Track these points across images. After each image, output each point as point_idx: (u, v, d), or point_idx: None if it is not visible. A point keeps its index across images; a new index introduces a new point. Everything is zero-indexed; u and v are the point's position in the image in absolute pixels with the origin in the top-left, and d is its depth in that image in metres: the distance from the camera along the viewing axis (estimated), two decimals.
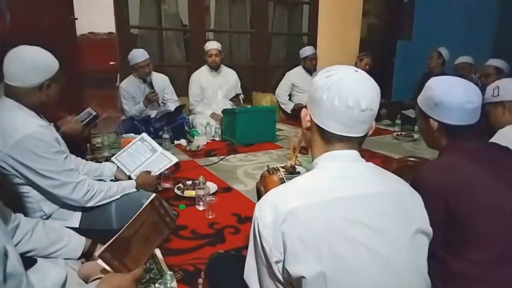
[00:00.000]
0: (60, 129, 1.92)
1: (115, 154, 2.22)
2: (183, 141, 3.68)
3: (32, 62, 1.45)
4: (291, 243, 0.77)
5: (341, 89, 0.84)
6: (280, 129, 4.30)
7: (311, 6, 5.50)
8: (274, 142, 3.84)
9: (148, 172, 1.99)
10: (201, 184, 2.35)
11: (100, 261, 0.99)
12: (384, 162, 3.02)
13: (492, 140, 1.69)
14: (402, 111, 4.39)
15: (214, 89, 4.20)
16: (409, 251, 0.81)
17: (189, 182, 2.53)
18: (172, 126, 3.64)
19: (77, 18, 4.10)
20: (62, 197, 1.55)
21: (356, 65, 4.61)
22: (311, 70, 4.81)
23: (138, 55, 3.54)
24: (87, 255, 1.32)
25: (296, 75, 4.89)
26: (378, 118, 4.58)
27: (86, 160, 2.02)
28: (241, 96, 4.25)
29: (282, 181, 1.34)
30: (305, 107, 0.95)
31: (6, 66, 1.45)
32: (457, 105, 1.15)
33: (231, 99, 4.15)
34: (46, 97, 1.50)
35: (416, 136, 3.92)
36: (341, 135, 0.87)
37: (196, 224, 2.06)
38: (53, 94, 1.53)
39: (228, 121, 3.85)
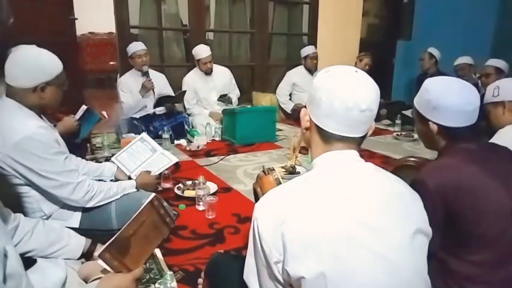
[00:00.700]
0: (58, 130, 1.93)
1: (115, 154, 2.22)
2: (183, 141, 3.68)
3: (28, 64, 1.44)
4: (290, 244, 0.77)
5: (340, 90, 0.84)
6: (280, 129, 4.30)
7: (311, 6, 5.50)
8: (274, 142, 3.84)
9: (148, 172, 1.99)
10: (201, 184, 2.35)
11: (99, 261, 0.98)
12: (384, 162, 3.02)
13: (492, 140, 1.69)
14: (402, 111, 4.39)
15: (207, 92, 4.19)
16: (409, 251, 0.81)
17: (189, 182, 2.53)
18: (172, 126, 3.65)
19: (77, 18, 4.11)
20: (62, 197, 1.55)
21: (355, 65, 4.62)
22: (312, 69, 4.81)
23: (135, 45, 3.71)
24: (87, 255, 1.32)
25: (297, 74, 4.89)
26: (378, 118, 4.58)
27: (86, 160, 2.01)
28: (234, 94, 4.24)
29: (277, 182, 1.33)
30: (305, 107, 0.95)
31: (7, 65, 1.45)
32: (456, 108, 1.14)
33: (218, 100, 4.14)
34: (40, 99, 1.48)
35: (416, 136, 3.92)
36: (340, 136, 0.87)
37: (196, 224, 2.06)
38: (49, 97, 1.51)
39: (227, 121, 3.85)
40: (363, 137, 0.90)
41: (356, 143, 0.89)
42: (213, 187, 2.51)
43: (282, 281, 0.81)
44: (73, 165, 1.63)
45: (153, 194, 1.12)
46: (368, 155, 3.29)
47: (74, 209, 1.63)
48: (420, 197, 0.91)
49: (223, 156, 3.31)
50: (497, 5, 4.73)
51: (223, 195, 2.48)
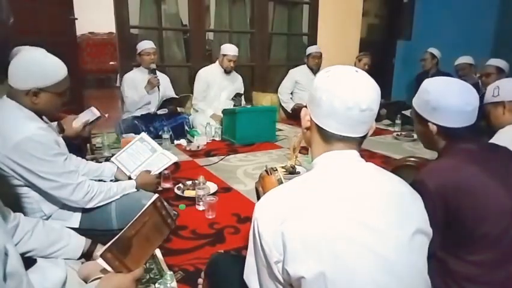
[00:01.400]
0: (63, 132, 1.92)
1: (115, 154, 2.21)
2: (183, 141, 3.69)
3: (25, 66, 1.43)
4: (290, 244, 0.77)
5: (340, 89, 0.84)
6: (280, 129, 4.30)
7: (311, 6, 5.50)
8: (274, 142, 3.84)
9: (148, 171, 1.99)
10: (201, 184, 2.35)
11: (100, 261, 0.99)
12: (384, 162, 3.02)
13: (492, 140, 1.69)
14: (402, 111, 4.38)
15: (219, 89, 4.23)
16: (409, 251, 0.81)
17: (189, 182, 2.53)
18: (172, 127, 3.65)
19: (77, 18, 4.11)
20: (62, 198, 1.55)
21: (355, 65, 4.61)
22: (314, 69, 4.82)
23: (146, 43, 3.79)
24: (87, 255, 1.32)
25: (299, 73, 4.91)
26: (378, 118, 4.59)
27: (86, 160, 2.01)
28: (242, 98, 4.28)
29: (280, 182, 1.33)
30: (305, 106, 0.95)
31: (11, 64, 1.45)
32: (455, 108, 1.14)
33: (232, 98, 4.18)
34: (32, 104, 1.46)
35: (416, 136, 3.91)
36: (340, 135, 0.87)
37: (196, 224, 2.06)
38: (43, 103, 1.47)
39: (228, 121, 3.85)
40: (364, 137, 0.90)
41: (357, 143, 0.89)
42: (213, 187, 2.51)
43: (282, 280, 0.81)
44: (73, 166, 1.63)
45: (156, 195, 1.13)
46: (368, 155, 3.29)
47: (74, 209, 1.63)
48: (421, 198, 0.91)
49: (223, 156, 3.31)
50: (497, 5, 4.72)
51: (223, 195, 2.48)
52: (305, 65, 4.91)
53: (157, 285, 1.51)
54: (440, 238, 1.07)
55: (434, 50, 4.54)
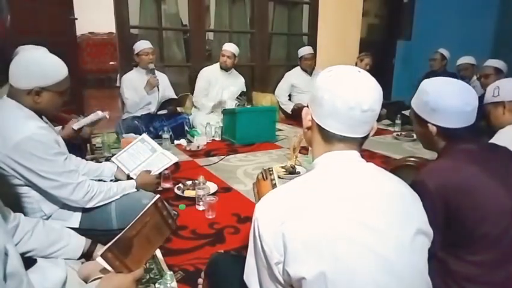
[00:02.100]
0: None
1: (115, 154, 2.22)
2: (183, 141, 3.68)
3: (27, 65, 1.43)
4: (291, 245, 0.77)
5: (342, 89, 0.84)
6: (280, 129, 4.30)
7: (311, 6, 5.50)
8: (274, 142, 3.84)
9: (148, 171, 1.99)
10: (201, 184, 2.35)
11: (101, 261, 0.99)
12: (384, 162, 3.02)
13: (492, 140, 1.69)
14: (402, 111, 4.40)
15: (221, 88, 4.22)
16: (410, 252, 0.80)
17: (189, 182, 2.53)
18: (172, 127, 3.65)
19: (77, 18, 4.11)
20: (62, 198, 1.55)
21: (356, 65, 4.58)
22: (308, 70, 4.82)
23: (143, 43, 3.77)
24: (87, 255, 1.32)
25: (295, 75, 4.91)
26: (378, 118, 4.53)
27: (86, 160, 2.01)
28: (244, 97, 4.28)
29: (274, 186, 1.33)
30: (306, 106, 0.95)
31: (12, 63, 1.45)
32: (455, 109, 1.14)
33: (237, 98, 4.16)
34: (34, 103, 1.46)
35: (415, 136, 3.91)
36: (341, 136, 0.87)
37: (196, 224, 2.06)
38: (45, 102, 1.47)
39: (227, 121, 3.85)
40: (365, 138, 0.90)
41: (358, 143, 0.89)
42: (213, 187, 2.51)
43: (282, 281, 0.80)
44: (73, 165, 1.63)
45: (157, 196, 1.13)
46: (368, 155, 3.29)
47: (74, 209, 1.63)
48: (421, 198, 0.91)
49: (223, 156, 3.31)
50: (497, 5, 4.72)
51: (223, 195, 2.48)
52: (298, 67, 4.91)
53: (157, 285, 1.51)
54: (440, 238, 1.06)
55: (444, 51, 4.48)
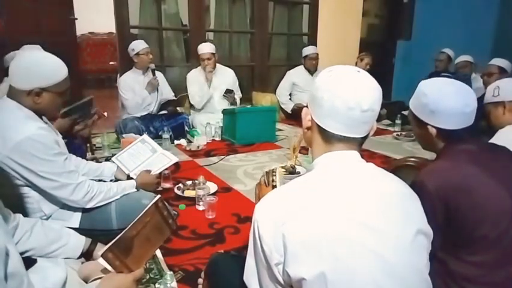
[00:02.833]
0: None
1: (115, 154, 2.22)
2: (183, 141, 3.68)
3: (28, 66, 1.43)
4: (291, 245, 0.77)
5: (342, 89, 0.84)
6: (280, 129, 4.30)
7: (311, 6, 5.50)
8: (274, 142, 3.84)
9: (148, 171, 1.99)
10: (201, 184, 2.35)
11: (101, 261, 0.99)
12: (384, 162, 3.02)
13: (492, 140, 1.68)
14: (402, 111, 4.40)
15: (212, 89, 4.15)
16: (410, 252, 0.80)
17: (189, 182, 2.53)
18: (172, 127, 3.65)
19: (77, 18, 4.11)
20: (62, 198, 1.55)
21: (356, 65, 4.60)
22: (311, 70, 4.81)
23: (140, 43, 3.75)
24: (87, 255, 1.32)
25: (297, 74, 4.89)
26: (378, 118, 4.52)
27: (86, 160, 2.01)
28: (237, 95, 4.22)
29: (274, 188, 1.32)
30: (305, 107, 0.95)
31: (11, 64, 1.45)
32: (455, 110, 1.14)
33: (223, 95, 4.11)
34: (34, 104, 1.45)
35: (414, 137, 3.90)
36: (341, 136, 0.87)
37: (196, 224, 2.06)
38: (45, 103, 1.47)
39: (227, 121, 3.85)
40: (365, 138, 0.90)
41: (357, 143, 0.89)
42: (213, 187, 2.51)
43: (282, 282, 0.80)
44: (73, 166, 1.63)
45: (158, 196, 1.13)
46: (368, 155, 3.29)
47: (74, 209, 1.63)
48: (420, 199, 0.91)
49: (223, 156, 3.31)
50: (497, 5, 4.72)
51: (223, 195, 2.48)
52: (302, 66, 4.90)
53: (157, 285, 1.52)
54: (440, 239, 1.06)
55: (449, 51, 4.45)
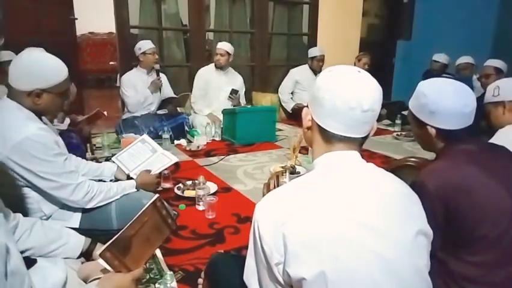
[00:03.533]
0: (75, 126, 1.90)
1: (115, 154, 2.22)
2: (183, 141, 3.68)
3: (28, 67, 1.43)
4: (291, 245, 0.77)
5: (343, 89, 0.84)
6: (280, 129, 4.30)
7: (311, 6, 5.50)
8: (274, 142, 3.84)
9: (148, 171, 1.99)
10: (201, 184, 2.35)
11: (100, 261, 0.99)
12: (384, 162, 3.02)
13: (492, 140, 1.68)
14: (402, 111, 4.40)
15: (217, 88, 4.18)
16: (410, 253, 0.80)
17: (189, 182, 2.53)
18: (172, 127, 3.66)
19: (77, 18, 4.11)
20: (62, 198, 1.55)
21: (354, 65, 4.59)
22: (317, 71, 4.81)
23: (146, 42, 3.76)
24: (87, 254, 1.32)
25: (300, 72, 4.90)
26: (378, 118, 4.52)
27: (86, 160, 2.01)
28: (241, 101, 4.24)
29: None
30: (306, 106, 0.95)
31: (11, 65, 1.45)
32: (454, 111, 1.14)
33: (229, 96, 4.14)
34: (34, 105, 1.45)
35: (414, 137, 3.90)
36: (342, 136, 0.86)
37: (196, 224, 2.06)
38: (45, 104, 1.47)
39: (227, 121, 3.85)
40: (365, 138, 0.90)
41: (358, 143, 0.89)
42: (213, 187, 2.51)
43: (282, 282, 0.80)
44: (73, 166, 1.63)
45: (156, 195, 1.13)
46: (368, 155, 3.29)
47: (74, 209, 1.63)
48: (420, 199, 0.91)
49: (223, 156, 3.31)
50: (497, 5, 4.72)
51: (223, 195, 2.48)
52: (306, 65, 4.90)
53: (157, 285, 1.52)
54: (440, 239, 1.06)
55: (446, 59, 4.43)
